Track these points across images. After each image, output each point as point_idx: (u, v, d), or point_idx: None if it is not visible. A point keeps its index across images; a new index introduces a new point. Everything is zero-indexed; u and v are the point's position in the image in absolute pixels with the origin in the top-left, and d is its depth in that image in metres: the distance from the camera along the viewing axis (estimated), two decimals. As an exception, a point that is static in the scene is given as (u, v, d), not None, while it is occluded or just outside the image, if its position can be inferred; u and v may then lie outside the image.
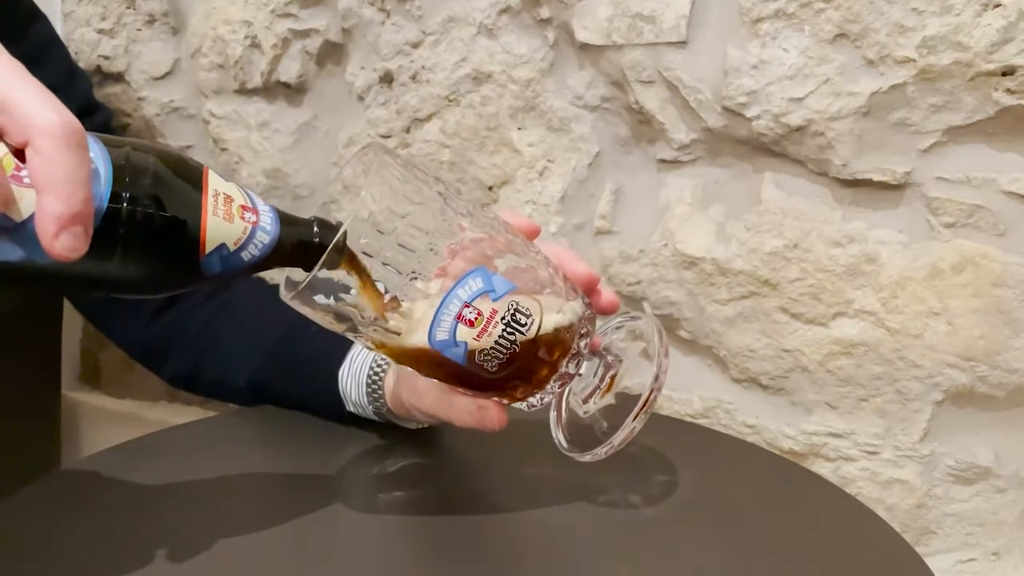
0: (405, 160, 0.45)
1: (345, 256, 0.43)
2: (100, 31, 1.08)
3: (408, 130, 0.89)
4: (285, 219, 0.42)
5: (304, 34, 0.94)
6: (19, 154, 0.33)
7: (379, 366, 0.60)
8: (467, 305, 0.43)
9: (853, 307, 0.71)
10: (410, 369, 0.48)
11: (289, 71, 0.96)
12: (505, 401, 0.48)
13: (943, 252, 0.68)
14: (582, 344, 0.48)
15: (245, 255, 0.40)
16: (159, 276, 0.39)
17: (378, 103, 0.91)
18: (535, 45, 0.82)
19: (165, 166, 0.38)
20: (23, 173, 0.33)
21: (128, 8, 1.06)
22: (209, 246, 0.39)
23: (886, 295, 0.70)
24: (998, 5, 0.62)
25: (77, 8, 1.09)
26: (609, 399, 0.50)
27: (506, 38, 0.83)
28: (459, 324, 0.43)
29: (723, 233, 0.76)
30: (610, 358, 0.51)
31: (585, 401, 0.51)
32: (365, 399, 0.60)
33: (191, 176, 0.39)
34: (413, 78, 0.88)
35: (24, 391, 1.00)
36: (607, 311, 0.50)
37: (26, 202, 0.33)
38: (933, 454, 0.72)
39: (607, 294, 0.51)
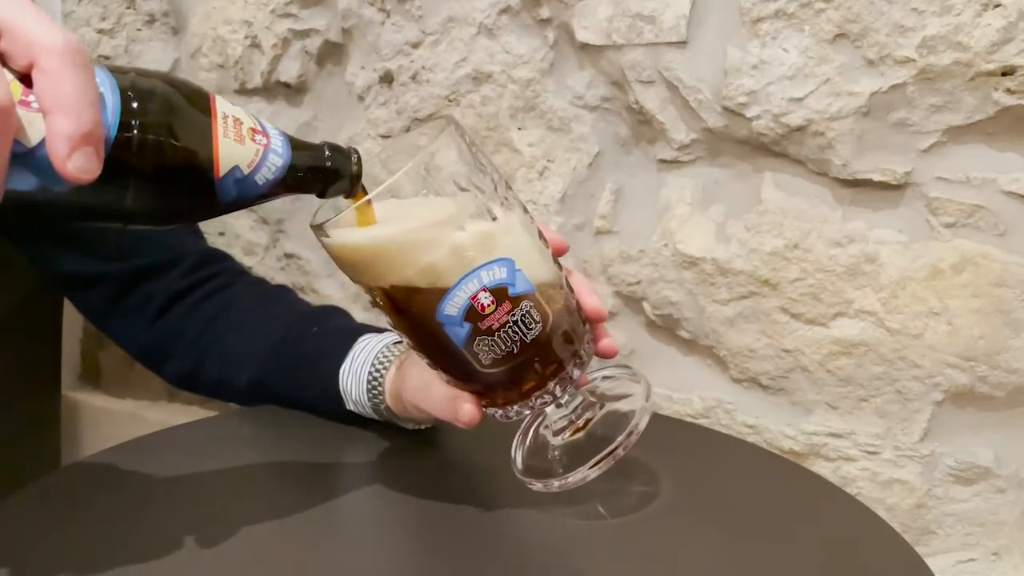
0: (472, 141, 0.46)
1: (361, 187, 0.44)
2: (100, 31, 1.08)
3: (408, 130, 0.89)
4: (296, 144, 0.42)
5: (304, 34, 0.94)
6: (25, 80, 0.33)
7: (380, 364, 0.60)
8: (485, 290, 0.44)
9: (853, 307, 0.71)
10: (407, 341, 0.48)
11: (289, 71, 0.96)
12: (483, 402, 0.48)
13: (943, 252, 0.68)
14: (575, 371, 0.48)
15: (259, 178, 0.40)
16: (175, 203, 0.39)
17: (378, 103, 0.91)
18: (535, 45, 0.82)
19: (171, 90, 0.37)
20: (30, 98, 0.33)
21: (128, 8, 1.06)
22: (223, 168, 0.38)
23: (886, 295, 0.70)
24: (998, 5, 0.62)
25: (77, 8, 1.09)
26: (578, 437, 0.50)
27: (506, 38, 0.83)
28: (472, 305, 0.43)
29: (723, 233, 0.76)
30: (592, 399, 0.51)
31: (556, 434, 0.51)
32: (365, 397, 0.61)
33: (198, 100, 0.38)
34: (413, 78, 0.88)
35: (24, 391, 1.00)
36: (602, 354, 0.51)
37: (35, 127, 0.33)
38: (933, 454, 0.72)
39: (608, 339, 0.51)
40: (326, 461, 0.60)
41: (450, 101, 0.86)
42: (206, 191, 0.39)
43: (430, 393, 0.52)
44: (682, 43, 0.73)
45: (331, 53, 0.94)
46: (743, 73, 0.70)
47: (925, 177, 0.68)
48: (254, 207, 0.42)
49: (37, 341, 1.04)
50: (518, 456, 0.53)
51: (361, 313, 0.97)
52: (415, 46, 0.87)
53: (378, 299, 0.46)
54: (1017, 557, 0.71)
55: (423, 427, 0.62)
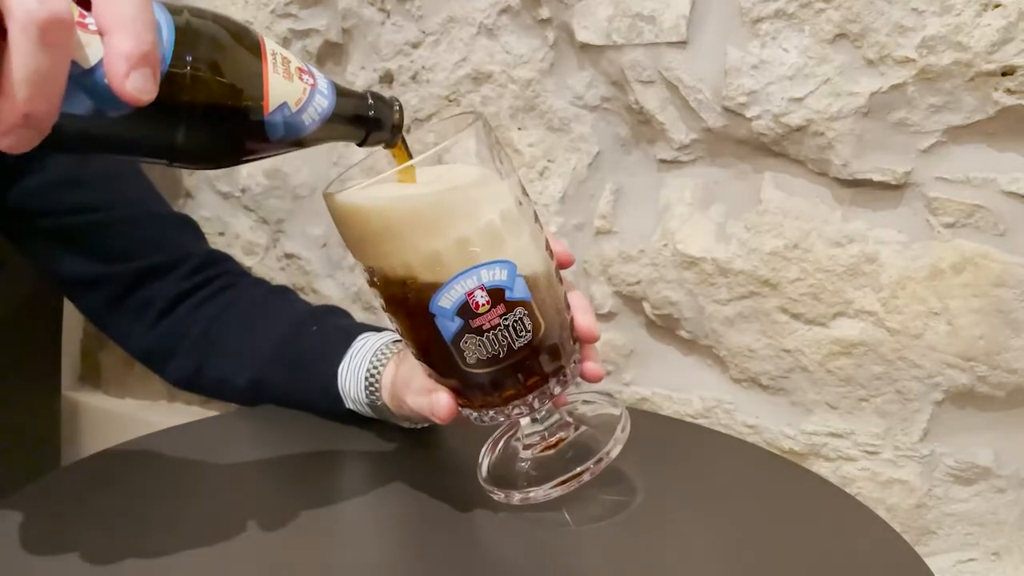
0: (496, 140, 0.46)
1: (402, 139, 0.45)
2: (100, 31, 1.08)
3: (408, 130, 0.89)
4: (341, 90, 0.43)
5: (304, 34, 0.94)
6: (81, 3, 0.33)
7: (378, 360, 0.60)
8: (482, 288, 0.43)
9: (853, 307, 0.71)
10: (396, 326, 0.48)
11: (289, 71, 0.96)
12: (460, 401, 0.48)
13: (943, 252, 0.68)
14: (556, 387, 0.48)
15: (306, 118, 0.40)
16: (224, 138, 0.39)
17: (378, 103, 0.91)
18: (535, 45, 0.82)
19: (221, 27, 0.38)
20: (88, 20, 0.33)
21: (128, 8, 1.06)
22: (272, 104, 0.39)
23: (886, 295, 0.70)
24: (998, 5, 0.62)
25: (77, 8, 1.09)
26: (548, 455, 0.50)
27: (506, 38, 0.83)
28: (467, 301, 0.43)
29: (723, 233, 0.76)
30: (569, 419, 0.51)
31: (526, 447, 0.51)
32: (363, 394, 0.61)
33: (248, 38, 0.39)
34: (413, 78, 0.88)
35: (24, 391, 1.00)
36: (587, 376, 0.51)
37: (93, 48, 0.33)
38: (933, 454, 0.72)
39: (595, 363, 0.51)
40: (325, 461, 0.60)
41: (450, 101, 0.86)
42: (255, 127, 0.39)
43: (410, 385, 0.52)
44: (682, 43, 0.73)
45: (331, 53, 0.94)
46: (743, 73, 0.70)
47: (925, 177, 0.68)
48: (295, 149, 0.42)
49: (37, 341, 1.04)
50: (484, 463, 0.53)
51: (361, 313, 0.97)
52: (415, 46, 0.87)
53: (375, 279, 0.46)
54: (1017, 557, 0.71)
55: (419, 426, 0.62)
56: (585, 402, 0.55)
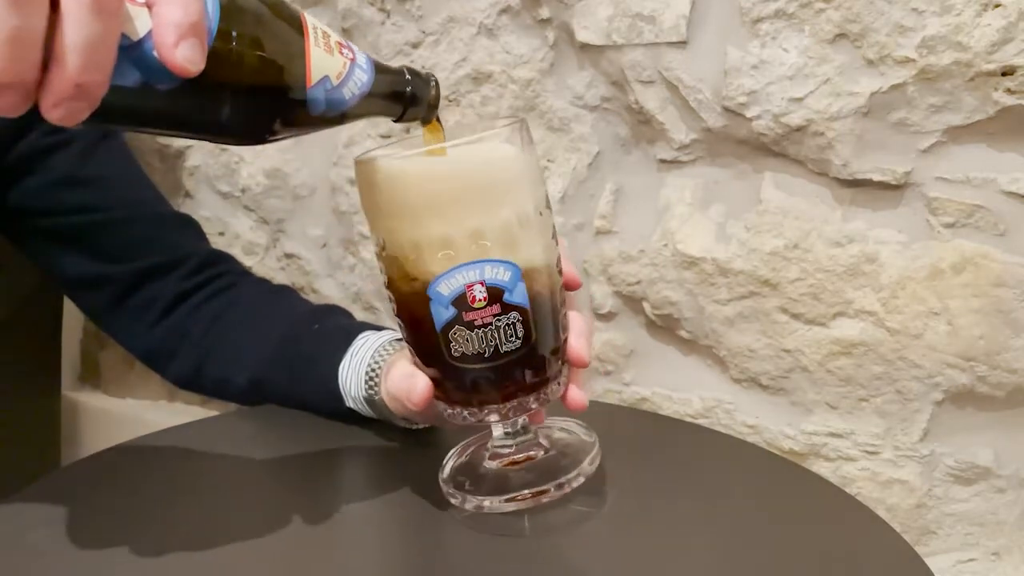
0: (531, 149, 0.46)
1: (437, 117, 0.45)
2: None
3: (408, 130, 0.89)
4: (379, 65, 0.43)
5: (304, 34, 0.94)
6: None
7: (380, 357, 0.60)
8: (482, 283, 0.44)
9: (853, 307, 0.71)
10: (394, 304, 0.48)
11: (289, 71, 0.96)
12: (437, 392, 0.48)
13: (943, 252, 0.68)
14: (534, 402, 0.48)
15: (346, 92, 0.41)
16: (268, 113, 0.39)
17: (378, 103, 0.91)
18: (535, 45, 0.82)
19: (263, 3, 0.38)
20: None
21: (128, 8, 1.06)
22: (314, 78, 0.39)
23: (886, 295, 0.70)
24: (998, 5, 0.62)
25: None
26: (513, 469, 0.50)
27: (506, 38, 0.83)
28: (464, 292, 0.43)
29: (723, 233, 0.76)
30: (541, 440, 0.51)
31: (492, 458, 0.51)
32: (363, 391, 0.61)
33: (289, 11, 0.39)
34: (413, 78, 0.88)
35: (24, 391, 1.00)
36: (568, 402, 0.50)
37: (141, 20, 0.33)
38: (933, 454, 0.72)
39: (580, 391, 0.50)
40: (325, 461, 0.60)
41: (450, 101, 0.86)
42: (297, 100, 0.39)
43: (392, 369, 0.52)
44: (682, 43, 0.73)
45: (331, 53, 0.94)
46: (743, 73, 0.70)
47: (925, 177, 0.68)
48: (334, 125, 0.42)
49: (37, 341, 1.04)
50: (448, 465, 0.53)
51: (361, 313, 0.98)
52: (415, 46, 0.87)
53: (384, 252, 0.46)
54: (1017, 557, 0.71)
55: (418, 426, 0.62)
56: (562, 428, 0.54)
